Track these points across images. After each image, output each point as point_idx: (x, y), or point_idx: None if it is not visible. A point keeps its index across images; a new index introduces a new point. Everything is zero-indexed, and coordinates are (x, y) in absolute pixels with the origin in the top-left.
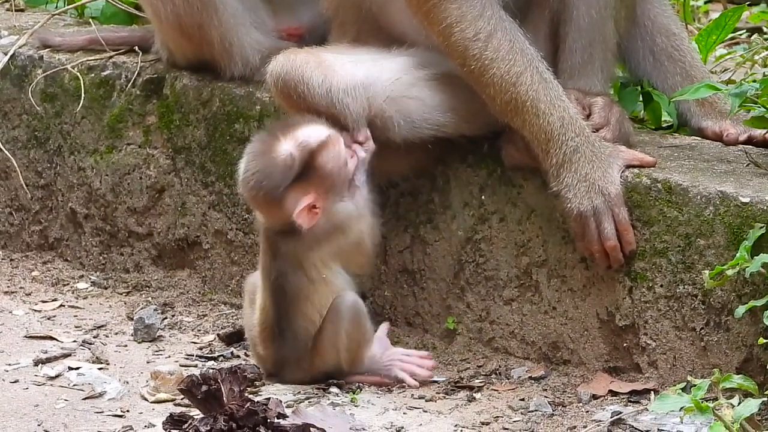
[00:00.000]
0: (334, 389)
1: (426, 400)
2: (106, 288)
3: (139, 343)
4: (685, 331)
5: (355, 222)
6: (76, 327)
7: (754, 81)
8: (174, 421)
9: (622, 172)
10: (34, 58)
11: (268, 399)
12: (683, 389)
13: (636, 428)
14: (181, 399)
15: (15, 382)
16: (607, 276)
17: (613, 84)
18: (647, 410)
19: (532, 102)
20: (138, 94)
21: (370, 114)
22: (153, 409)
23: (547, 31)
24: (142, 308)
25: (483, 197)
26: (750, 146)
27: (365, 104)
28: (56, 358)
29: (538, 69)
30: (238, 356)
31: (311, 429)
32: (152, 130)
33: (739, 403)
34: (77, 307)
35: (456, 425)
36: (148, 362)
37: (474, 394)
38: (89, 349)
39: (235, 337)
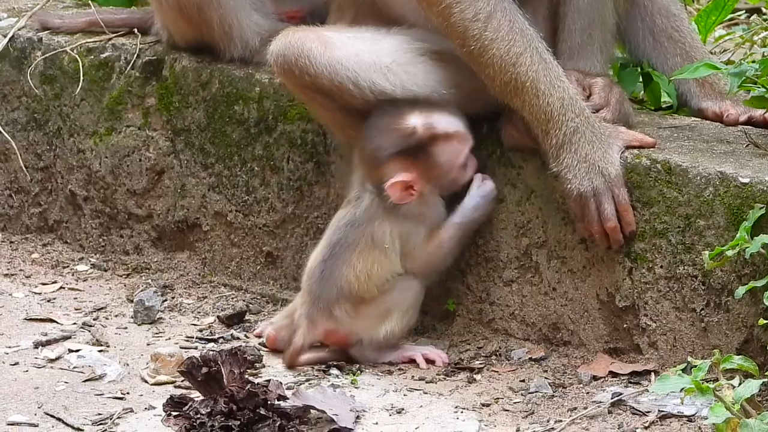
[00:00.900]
0: (334, 371)
1: (426, 382)
2: (105, 270)
3: (139, 325)
4: (685, 311)
5: (435, 225)
6: (76, 309)
7: (754, 61)
8: (174, 403)
9: (622, 152)
10: (33, 41)
11: (269, 381)
12: (683, 370)
13: (636, 409)
14: (182, 381)
15: (15, 364)
16: (607, 257)
17: (612, 65)
18: (648, 391)
19: (531, 82)
20: (137, 76)
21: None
22: (153, 392)
23: (546, 11)
24: (142, 290)
25: None
26: (750, 127)
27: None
28: (56, 341)
29: (537, 49)
30: (239, 338)
31: (311, 410)
32: (152, 112)
33: (740, 384)
34: (77, 290)
35: (456, 407)
36: (148, 344)
37: (474, 376)
38: (89, 331)
39: (235, 319)
